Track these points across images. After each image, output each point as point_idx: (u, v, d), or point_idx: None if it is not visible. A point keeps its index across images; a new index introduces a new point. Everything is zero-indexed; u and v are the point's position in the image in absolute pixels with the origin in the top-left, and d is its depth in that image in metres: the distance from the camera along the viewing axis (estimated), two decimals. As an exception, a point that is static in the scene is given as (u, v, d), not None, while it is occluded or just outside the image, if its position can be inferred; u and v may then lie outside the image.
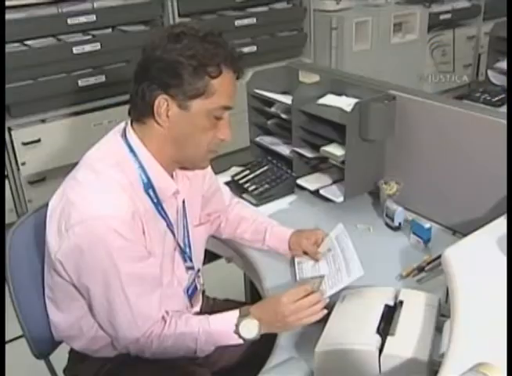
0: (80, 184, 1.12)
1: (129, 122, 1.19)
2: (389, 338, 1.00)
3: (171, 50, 1.08)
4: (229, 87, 1.13)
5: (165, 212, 1.20)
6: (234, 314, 1.16)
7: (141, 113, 1.14)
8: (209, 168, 1.37)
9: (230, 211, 1.51)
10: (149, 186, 1.16)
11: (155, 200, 1.17)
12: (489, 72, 2.87)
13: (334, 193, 1.68)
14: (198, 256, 1.35)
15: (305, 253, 1.42)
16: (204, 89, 1.09)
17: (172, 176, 1.22)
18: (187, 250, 1.29)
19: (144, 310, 1.14)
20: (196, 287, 1.34)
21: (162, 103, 1.10)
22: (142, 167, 1.15)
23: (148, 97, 1.10)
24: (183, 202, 1.27)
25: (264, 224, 1.49)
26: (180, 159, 1.19)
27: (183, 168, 1.24)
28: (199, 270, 1.36)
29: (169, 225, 1.22)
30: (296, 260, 1.44)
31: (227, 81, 1.12)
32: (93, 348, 1.25)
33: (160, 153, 1.16)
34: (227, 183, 1.78)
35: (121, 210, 1.08)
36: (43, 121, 2.59)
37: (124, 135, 1.17)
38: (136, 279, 1.12)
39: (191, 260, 1.30)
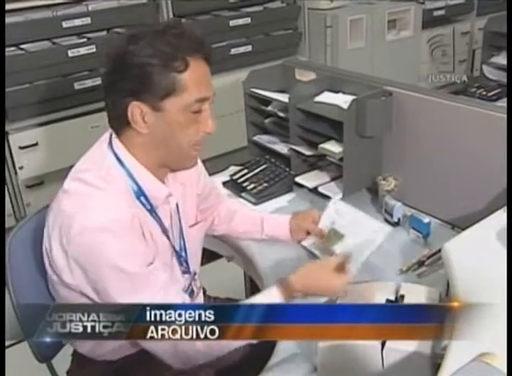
0: (73, 196, 1.09)
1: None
2: (391, 333, 1.01)
3: (130, 53, 1.04)
4: (201, 77, 1.08)
5: (159, 218, 1.18)
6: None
7: (117, 124, 1.12)
8: (202, 168, 1.36)
9: (222, 207, 1.50)
10: (140, 194, 1.13)
11: (148, 207, 1.15)
12: (484, 67, 2.87)
13: (333, 190, 1.69)
14: (195, 258, 1.33)
15: (307, 233, 1.43)
16: (174, 87, 1.04)
17: (164, 182, 1.20)
18: (183, 253, 1.27)
19: None
20: (192, 291, 1.31)
21: (135, 110, 1.07)
22: (130, 175, 1.12)
23: (119, 108, 1.08)
24: (177, 205, 1.24)
25: (258, 214, 1.50)
26: (166, 161, 1.16)
27: (173, 171, 1.21)
28: (195, 274, 1.33)
29: (164, 230, 1.20)
30: (305, 243, 1.44)
31: (197, 72, 1.07)
32: (98, 353, 1.24)
33: (146, 160, 1.13)
34: (225, 183, 1.78)
35: (120, 214, 1.07)
36: (40, 124, 2.59)
37: (110, 144, 1.15)
38: (145, 281, 1.09)
39: (187, 263, 1.29)
